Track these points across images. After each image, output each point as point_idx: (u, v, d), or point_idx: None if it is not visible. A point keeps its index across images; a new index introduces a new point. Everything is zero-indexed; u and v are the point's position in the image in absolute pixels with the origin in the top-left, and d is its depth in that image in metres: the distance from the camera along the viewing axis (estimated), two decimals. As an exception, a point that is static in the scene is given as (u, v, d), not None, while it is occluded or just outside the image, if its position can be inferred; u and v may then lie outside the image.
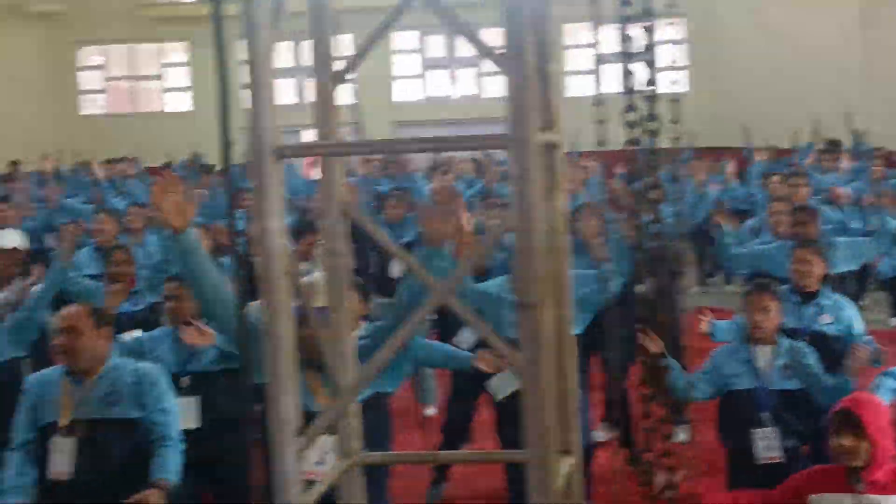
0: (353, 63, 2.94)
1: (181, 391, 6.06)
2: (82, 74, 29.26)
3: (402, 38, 26.07)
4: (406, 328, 2.86)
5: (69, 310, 5.41)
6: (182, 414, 5.73)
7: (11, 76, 26.50)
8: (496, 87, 27.46)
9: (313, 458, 4.53)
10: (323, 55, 2.96)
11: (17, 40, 27.12)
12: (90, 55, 29.24)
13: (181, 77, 28.91)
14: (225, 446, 6.11)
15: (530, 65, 2.60)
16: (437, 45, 27.10)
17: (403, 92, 27.57)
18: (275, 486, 2.82)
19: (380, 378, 4.33)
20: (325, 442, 4.41)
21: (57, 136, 25.00)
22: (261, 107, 2.61)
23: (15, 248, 8.54)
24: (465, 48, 27.61)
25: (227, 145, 2.71)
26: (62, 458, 5.20)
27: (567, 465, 3.12)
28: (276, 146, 2.62)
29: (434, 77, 27.94)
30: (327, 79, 2.94)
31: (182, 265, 4.65)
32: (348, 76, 2.98)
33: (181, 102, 28.79)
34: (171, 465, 5.28)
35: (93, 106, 29.31)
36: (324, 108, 2.97)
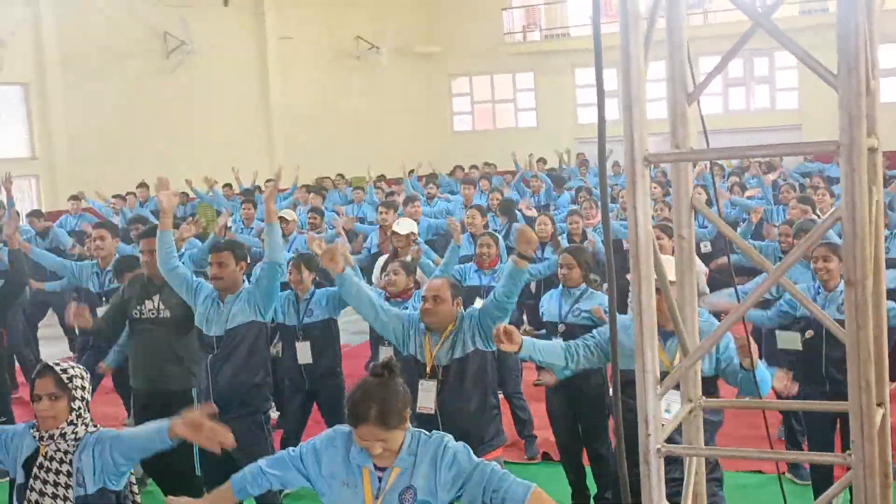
0: (703, 84, 2.89)
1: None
2: (455, 100, 30.29)
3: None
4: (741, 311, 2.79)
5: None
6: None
7: (402, 102, 27.77)
8: (789, 100, 26.36)
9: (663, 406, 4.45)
10: (678, 77, 2.92)
11: (406, 74, 28.36)
12: (460, 85, 30.17)
13: (529, 99, 29.33)
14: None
15: (862, 81, 2.47)
16: (735, 66, 26.07)
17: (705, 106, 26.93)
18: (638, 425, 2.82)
19: None
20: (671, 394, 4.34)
21: (434, 149, 25.96)
22: (634, 121, 2.60)
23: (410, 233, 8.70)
24: (761, 68, 26.73)
25: (602, 153, 2.72)
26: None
27: (880, 415, 2.96)
28: (645, 154, 2.61)
29: (731, 93, 27.07)
30: (682, 97, 2.91)
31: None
32: (698, 95, 2.94)
33: (529, 120, 29.22)
34: None
35: (462, 124, 30.26)
36: (678, 122, 2.94)
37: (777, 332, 6.46)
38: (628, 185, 2.66)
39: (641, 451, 2.80)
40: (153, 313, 6.41)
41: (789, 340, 6.22)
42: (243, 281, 6.03)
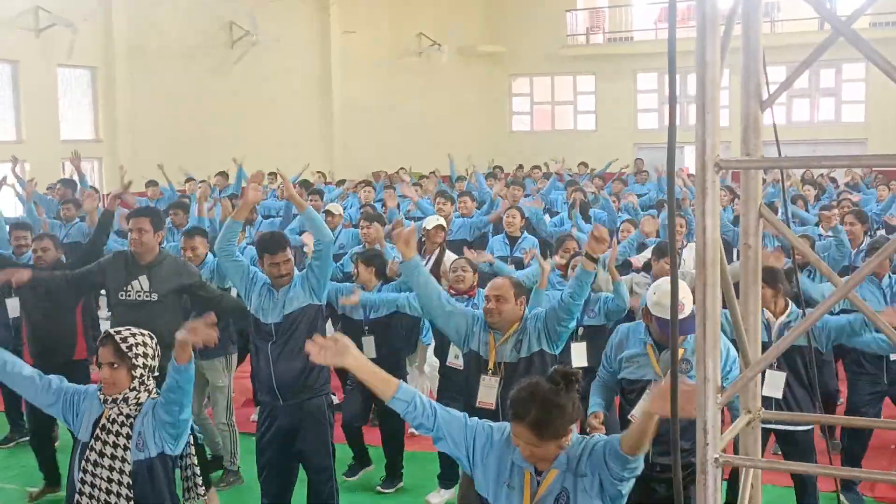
0: (778, 92, 2.84)
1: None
2: (514, 100, 30.24)
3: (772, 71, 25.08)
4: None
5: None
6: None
7: (461, 100, 27.79)
8: (855, 113, 25.97)
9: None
10: (752, 84, 2.88)
11: (466, 73, 28.38)
12: (520, 85, 30.10)
13: (589, 102, 29.17)
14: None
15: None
16: (801, 77, 25.65)
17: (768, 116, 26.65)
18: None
19: None
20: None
21: (492, 148, 25.94)
22: (707, 127, 2.56)
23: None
24: (828, 80, 26.34)
25: (671, 156, 2.68)
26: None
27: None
28: (716, 160, 2.58)
29: (795, 103, 26.68)
30: (755, 105, 2.86)
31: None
32: (772, 102, 2.89)
33: (588, 123, 29.06)
34: None
35: (521, 124, 30.18)
36: (750, 130, 2.89)
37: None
38: (698, 190, 2.63)
39: (699, 461, 2.76)
40: (140, 295, 6.34)
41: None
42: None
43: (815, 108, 26.97)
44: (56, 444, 7.43)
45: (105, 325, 11.14)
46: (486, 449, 3.52)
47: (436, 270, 8.25)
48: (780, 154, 3.00)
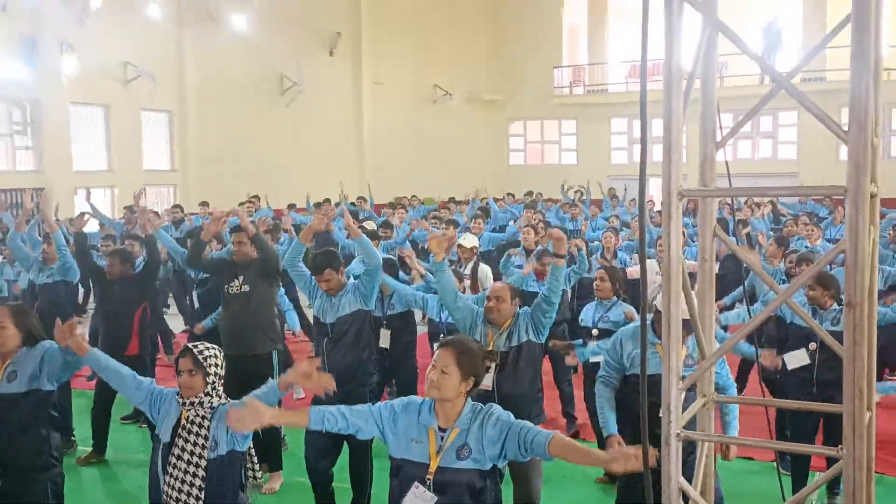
0: (730, 134, 2.83)
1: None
2: (511, 139, 30.20)
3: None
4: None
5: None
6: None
7: (468, 139, 27.79)
8: (788, 152, 25.86)
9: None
10: (709, 129, 2.87)
11: (472, 117, 28.39)
12: (516, 127, 30.07)
13: (571, 142, 29.11)
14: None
15: (869, 137, 2.39)
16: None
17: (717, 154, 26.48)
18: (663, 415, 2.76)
19: None
20: None
21: (492, 178, 25.89)
22: (672, 163, 2.55)
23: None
24: (766, 125, 26.27)
25: (642, 188, 2.67)
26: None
27: (867, 418, 2.85)
28: (680, 189, 2.56)
29: (739, 144, 26.53)
30: (711, 145, 2.85)
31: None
32: (724, 143, 2.88)
33: (571, 158, 29.00)
34: None
35: (516, 159, 30.14)
36: (707, 165, 2.89)
37: (785, 356, 5.83)
38: (664, 215, 2.62)
39: (663, 436, 2.74)
40: (237, 289, 6.61)
41: (798, 358, 5.70)
42: (347, 277, 6.02)
43: (756, 148, 26.86)
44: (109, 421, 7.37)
45: (170, 321, 11.20)
46: (391, 420, 3.44)
47: (473, 278, 8.09)
48: (730, 185, 2.99)
